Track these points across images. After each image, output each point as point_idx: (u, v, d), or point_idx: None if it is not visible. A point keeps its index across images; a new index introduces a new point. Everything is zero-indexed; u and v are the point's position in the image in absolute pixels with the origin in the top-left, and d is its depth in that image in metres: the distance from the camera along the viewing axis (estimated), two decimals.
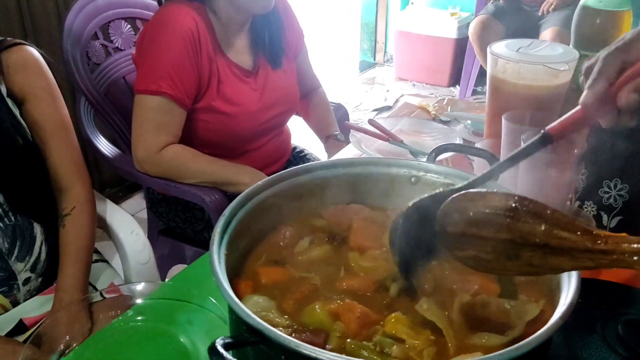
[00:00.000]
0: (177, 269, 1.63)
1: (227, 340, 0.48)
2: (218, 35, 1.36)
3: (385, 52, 4.79)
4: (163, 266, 1.57)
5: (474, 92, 3.68)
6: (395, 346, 0.55)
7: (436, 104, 1.61)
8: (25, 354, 0.76)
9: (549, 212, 0.49)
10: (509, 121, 0.99)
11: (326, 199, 0.77)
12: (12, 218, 1.04)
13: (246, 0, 1.31)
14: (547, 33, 2.94)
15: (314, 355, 0.45)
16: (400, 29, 4.25)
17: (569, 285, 0.55)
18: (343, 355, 0.46)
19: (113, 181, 2.50)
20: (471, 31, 3.23)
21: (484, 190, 0.58)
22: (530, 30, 3.12)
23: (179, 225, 1.52)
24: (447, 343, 0.55)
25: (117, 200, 2.31)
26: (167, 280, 1.44)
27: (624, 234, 0.46)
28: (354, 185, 0.78)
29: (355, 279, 0.66)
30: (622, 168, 0.86)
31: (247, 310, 0.50)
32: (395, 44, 4.41)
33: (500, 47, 1.14)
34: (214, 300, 0.74)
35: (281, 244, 0.72)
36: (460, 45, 3.92)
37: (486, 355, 0.46)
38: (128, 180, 2.17)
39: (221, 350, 0.47)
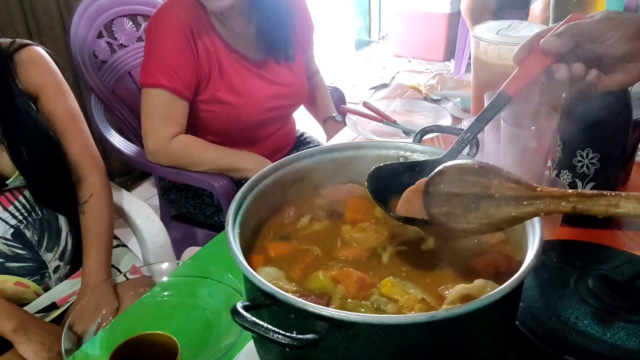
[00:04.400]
0: (190, 250, 1.73)
1: (245, 304, 0.58)
2: (218, 27, 1.43)
3: (380, 29, 4.84)
4: (177, 249, 1.67)
5: (469, 66, 3.73)
6: (390, 304, 0.65)
7: (427, 84, 1.69)
8: (65, 335, 0.85)
9: (503, 172, 0.60)
10: (490, 99, 1.06)
11: (324, 180, 0.86)
12: (39, 212, 1.13)
13: (204, 1, 1.35)
14: (537, 4, 2.98)
15: (318, 311, 0.54)
16: (394, 5, 4.29)
17: (533, 244, 0.63)
18: (341, 310, 0.55)
19: (122, 171, 2.60)
20: (463, 6, 3.27)
21: (461, 161, 0.68)
22: (521, 2, 3.16)
23: (190, 211, 1.61)
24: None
25: (127, 189, 2.40)
26: (181, 260, 1.55)
27: (554, 188, 0.57)
28: (349, 167, 0.87)
29: (350, 248, 0.75)
30: (593, 139, 0.95)
31: (261, 278, 0.59)
32: (390, 21, 4.45)
33: (481, 30, 1.22)
34: (230, 276, 0.83)
35: (286, 221, 0.81)
36: (454, 20, 3.97)
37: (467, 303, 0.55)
38: (136, 169, 2.27)
39: (241, 311, 0.56)
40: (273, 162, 1.60)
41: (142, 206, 1.38)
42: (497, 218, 0.61)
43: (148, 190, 2.66)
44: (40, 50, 1.16)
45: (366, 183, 0.74)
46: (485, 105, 1.09)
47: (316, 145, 1.78)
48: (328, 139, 1.73)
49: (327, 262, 0.72)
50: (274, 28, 1.45)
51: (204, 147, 1.45)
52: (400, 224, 0.77)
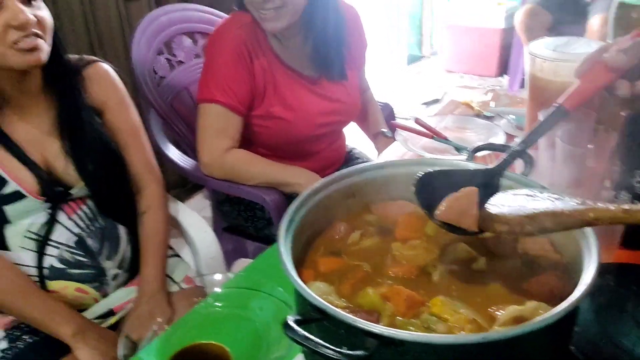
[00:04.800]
0: (240, 262, 1.76)
1: (296, 318, 0.59)
2: (274, 45, 1.46)
3: (431, 44, 4.82)
4: (228, 260, 1.70)
5: (523, 82, 3.66)
6: (440, 324, 0.65)
7: (480, 101, 1.67)
8: (121, 341, 0.88)
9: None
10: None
11: (375, 196, 0.87)
12: (101, 221, 1.18)
13: (260, 22, 1.38)
14: (595, 20, 2.91)
15: (368, 328, 0.55)
16: (446, 20, 4.27)
17: (589, 266, 0.62)
18: (391, 328, 0.55)
19: (176, 183, 2.67)
20: (517, 21, 3.22)
21: None
22: (578, 17, 3.09)
23: (242, 224, 1.64)
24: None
25: (181, 200, 2.47)
26: (231, 272, 1.58)
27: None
28: (400, 184, 0.87)
29: (400, 266, 0.75)
30: None
31: (312, 293, 0.60)
32: (442, 36, 4.43)
33: (537, 46, 1.20)
34: (280, 289, 0.85)
35: (336, 237, 0.82)
36: (508, 35, 3.91)
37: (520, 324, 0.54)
38: (190, 182, 2.33)
39: (293, 325, 0.57)
40: (323, 177, 1.62)
41: (196, 218, 1.42)
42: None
43: (201, 202, 2.73)
44: (106, 66, 1.22)
45: (413, 187, 0.74)
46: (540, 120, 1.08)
47: (366, 161, 1.79)
48: (378, 155, 1.73)
49: (377, 279, 0.73)
50: (329, 46, 1.47)
51: (256, 161, 1.48)
52: (450, 243, 0.77)
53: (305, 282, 0.71)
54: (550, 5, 3.17)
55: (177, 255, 1.37)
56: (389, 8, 4.55)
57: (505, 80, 4.08)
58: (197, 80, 1.76)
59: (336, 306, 0.67)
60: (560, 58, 1.14)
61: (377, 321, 0.66)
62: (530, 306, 0.64)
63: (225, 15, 1.84)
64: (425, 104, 3.93)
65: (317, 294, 0.64)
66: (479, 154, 0.93)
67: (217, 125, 1.42)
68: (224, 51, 1.40)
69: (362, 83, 1.75)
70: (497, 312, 0.65)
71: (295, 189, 1.46)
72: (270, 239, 1.63)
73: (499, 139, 1.37)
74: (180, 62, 1.75)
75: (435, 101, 3.95)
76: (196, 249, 1.37)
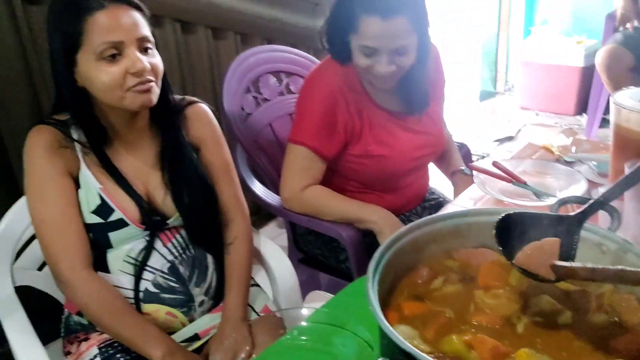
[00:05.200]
0: (314, 294, 1.81)
1: None
2: (367, 88, 1.52)
3: (506, 81, 4.77)
4: (301, 291, 1.75)
5: (603, 121, 3.57)
6: None
7: (560, 145, 1.66)
8: None
9: None
10: (631, 170, 1.04)
11: (458, 243, 0.90)
12: (192, 250, 1.27)
13: (374, 81, 1.45)
14: None
15: None
16: (523, 57, 4.23)
17: None
18: None
19: (250, 211, 2.77)
20: (599, 62, 3.16)
21: None
22: None
23: (324, 254, 1.69)
24: None
25: (255, 228, 2.57)
26: (305, 303, 1.63)
27: None
28: (483, 232, 0.90)
29: (484, 314, 0.77)
30: None
31: (402, 338, 0.64)
32: (518, 72, 4.38)
33: (623, 97, 1.20)
34: (363, 328, 0.88)
35: (419, 281, 0.85)
36: (587, 74, 3.83)
37: None
38: (262, 210, 2.41)
39: None
40: (406, 211, 1.66)
41: (276, 249, 1.49)
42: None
43: (274, 230, 2.82)
44: (205, 107, 1.33)
45: (494, 229, 0.76)
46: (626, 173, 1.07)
47: (443, 199, 1.81)
48: (456, 193, 1.74)
49: (460, 326, 0.75)
50: (418, 85, 1.52)
51: (332, 198, 1.54)
52: (535, 294, 0.79)
53: (389, 325, 0.75)
54: (632, 45, 3.09)
55: (258, 285, 1.43)
56: (463, 44, 4.56)
57: (583, 119, 3.98)
58: (280, 116, 1.87)
59: (422, 351, 0.70)
60: None
61: None
62: None
63: (307, 55, 1.94)
64: (498, 141, 3.89)
65: (402, 337, 0.67)
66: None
67: (302, 166, 1.50)
68: (319, 98, 1.47)
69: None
70: None
71: (369, 226, 1.50)
72: (347, 272, 1.68)
73: (581, 187, 1.36)
74: (266, 100, 1.84)
75: (509, 138, 3.90)
76: (275, 280, 1.43)
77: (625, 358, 0.65)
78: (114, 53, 1.06)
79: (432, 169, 1.87)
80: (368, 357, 0.85)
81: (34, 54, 1.84)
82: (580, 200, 0.93)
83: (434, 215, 0.90)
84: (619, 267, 0.67)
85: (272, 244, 1.51)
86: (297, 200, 1.54)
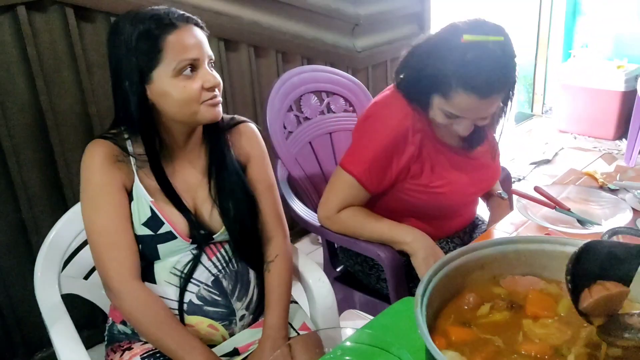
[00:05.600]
0: (348, 312, 1.82)
1: None
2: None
3: (543, 103, 4.72)
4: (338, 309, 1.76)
5: None
6: None
7: (604, 172, 1.64)
8: None
9: None
10: None
11: (505, 269, 0.90)
12: (235, 265, 1.29)
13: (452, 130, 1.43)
14: None
15: None
16: (562, 80, 4.19)
17: None
18: None
19: None
20: None
21: None
22: None
23: (364, 271, 1.69)
24: None
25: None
26: (340, 321, 1.63)
27: None
28: (530, 259, 0.90)
29: (533, 344, 0.77)
30: None
31: None
32: (556, 95, 4.34)
33: None
34: (406, 352, 0.88)
35: (465, 307, 0.86)
36: (628, 98, 3.78)
37: None
38: (297, 225, 2.44)
39: None
40: (450, 236, 1.63)
41: (314, 268, 1.50)
42: None
43: (308, 246, 2.83)
44: (253, 126, 1.36)
45: (569, 264, 0.75)
46: None
47: (483, 223, 1.79)
48: (492, 217, 1.72)
49: (510, 355, 0.76)
50: (483, 130, 1.50)
51: (367, 218, 1.53)
52: (584, 325, 0.78)
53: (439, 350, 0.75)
54: None
55: (296, 302, 1.45)
56: None
57: (622, 144, 3.91)
58: (320, 135, 1.90)
59: None
60: None
61: None
62: None
63: (347, 75, 1.97)
64: (534, 163, 3.85)
65: None
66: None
67: (345, 192, 1.51)
68: (383, 135, 1.45)
69: None
70: None
71: (402, 247, 1.50)
72: (380, 293, 1.68)
73: (627, 216, 1.34)
74: (307, 118, 1.87)
75: (546, 161, 3.85)
76: (313, 298, 1.44)
77: None
78: (190, 69, 1.13)
79: None
80: None
81: (84, 67, 1.92)
82: (633, 232, 0.92)
83: (482, 241, 0.90)
84: None
85: (311, 261, 1.52)
86: (333, 220, 1.55)
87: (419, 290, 0.79)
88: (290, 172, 1.78)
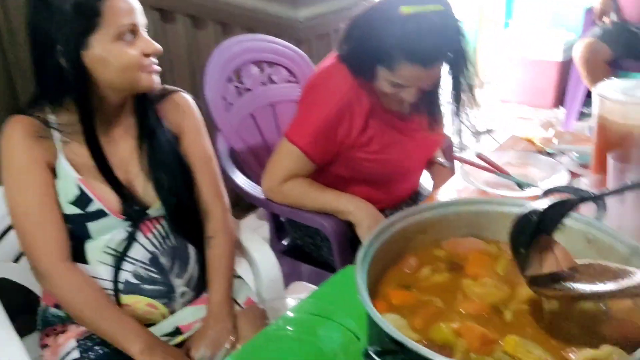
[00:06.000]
0: (295, 284, 1.80)
1: (377, 349, 0.62)
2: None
3: (486, 74, 4.79)
4: (284, 283, 1.74)
5: (581, 115, 3.61)
6: None
7: (543, 137, 1.67)
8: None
9: None
10: (615, 160, 1.05)
11: (446, 232, 0.89)
12: (173, 241, 1.25)
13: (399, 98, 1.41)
14: None
15: None
16: (502, 51, 4.26)
17: None
18: None
19: (231, 201, 2.75)
20: (577, 55, 3.20)
21: None
22: (637, 52, 3.05)
23: (316, 243, 1.67)
24: None
25: (235, 218, 2.56)
26: (287, 294, 1.61)
27: None
28: (471, 221, 0.89)
29: (472, 303, 0.77)
30: None
31: (392, 326, 0.63)
32: (497, 66, 4.42)
33: (605, 88, 1.21)
34: (349, 318, 0.87)
35: (407, 271, 0.85)
36: (565, 67, 3.87)
37: None
38: (243, 201, 2.39)
39: (373, 355, 0.60)
40: (395, 204, 1.63)
41: (258, 241, 1.47)
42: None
43: (255, 221, 2.79)
44: (186, 96, 1.30)
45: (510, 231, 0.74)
46: (609, 166, 1.08)
47: (429, 192, 1.80)
48: (434, 184, 1.74)
49: (449, 315, 0.75)
50: (433, 95, 1.51)
51: (310, 188, 1.51)
52: (522, 282, 0.78)
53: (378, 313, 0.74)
54: (610, 39, 3.13)
55: (240, 277, 1.42)
56: None
57: (561, 112, 4.02)
58: (262, 107, 1.85)
59: (411, 339, 0.69)
60: (630, 102, 1.15)
61: (450, 357, 0.68)
62: (604, 350, 0.65)
63: (290, 45, 1.92)
64: (477, 133, 3.91)
65: (391, 326, 0.67)
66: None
67: (290, 164, 1.48)
68: (327, 106, 1.42)
69: None
70: (570, 355, 0.66)
71: (346, 216, 1.49)
72: (327, 264, 1.67)
73: (563, 177, 1.37)
74: (248, 90, 1.82)
75: (489, 131, 3.93)
76: (258, 272, 1.41)
77: (611, 344, 0.65)
78: (130, 35, 1.08)
79: None
80: (354, 348, 0.85)
81: (9, 45, 1.80)
82: (566, 190, 0.93)
83: (422, 205, 0.89)
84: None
85: (255, 235, 1.49)
86: (277, 191, 1.52)
87: (360, 255, 0.77)
88: (232, 144, 1.73)
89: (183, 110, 1.28)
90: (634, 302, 0.73)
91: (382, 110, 1.48)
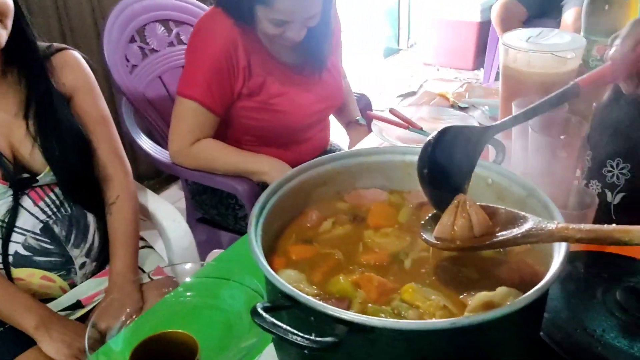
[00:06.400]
0: (214, 253, 1.74)
1: (266, 305, 0.58)
2: (264, 40, 1.43)
3: (409, 37, 4.83)
4: (202, 251, 1.68)
5: (499, 75, 3.70)
6: (410, 310, 0.64)
7: (455, 92, 1.68)
8: (89, 331, 0.86)
9: None
10: (519, 107, 1.05)
11: (348, 184, 0.87)
12: (68, 209, 1.16)
13: (280, 42, 1.39)
14: (569, 14, 2.94)
15: (338, 315, 0.54)
16: (423, 14, 4.28)
17: (559, 253, 0.62)
18: (361, 314, 0.55)
19: (149, 174, 2.63)
20: (493, 15, 3.24)
21: None
22: (552, 11, 3.12)
23: (221, 212, 1.62)
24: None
25: (155, 192, 2.45)
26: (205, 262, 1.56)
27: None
28: (374, 172, 0.87)
29: (372, 253, 0.75)
30: (625, 148, 0.93)
31: (282, 281, 0.59)
32: (419, 29, 4.44)
33: (511, 37, 1.21)
34: (252, 278, 0.84)
35: (308, 225, 0.81)
36: (484, 29, 3.94)
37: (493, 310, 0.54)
38: (164, 172, 2.30)
39: (261, 312, 0.56)
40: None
41: (168, 208, 1.40)
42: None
43: (175, 193, 2.69)
44: (75, 53, 1.20)
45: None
46: (514, 113, 1.08)
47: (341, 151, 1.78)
48: (350, 143, 1.73)
49: (349, 267, 0.72)
50: (321, 39, 1.47)
51: (222, 150, 1.46)
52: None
53: (276, 270, 0.71)
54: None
55: (150, 247, 1.35)
56: (365, 2, 4.54)
57: (481, 73, 4.11)
58: (170, 69, 1.75)
59: (307, 293, 0.66)
60: (533, 49, 1.15)
61: (348, 308, 0.65)
62: (500, 292, 0.64)
63: (198, 2, 1.82)
64: (401, 96, 3.94)
65: (287, 281, 0.63)
66: None
67: (192, 121, 1.41)
68: (212, 50, 1.37)
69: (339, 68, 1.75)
70: (468, 299, 0.65)
71: (260, 177, 1.45)
72: (244, 232, 1.62)
73: None
74: (154, 51, 1.71)
75: (412, 93, 3.96)
76: (168, 240, 1.35)
77: (507, 285, 0.64)
78: None
79: (333, 123, 1.85)
80: None
81: None
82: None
83: (322, 157, 0.85)
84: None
85: (164, 202, 1.42)
86: (186, 155, 1.45)
87: (254, 211, 0.73)
88: (138, 108, 1.63)
89: (73, 69, 1.18)
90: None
91: (271, 58, 1.45)
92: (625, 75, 0.72)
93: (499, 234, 0.65)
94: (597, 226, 0.58)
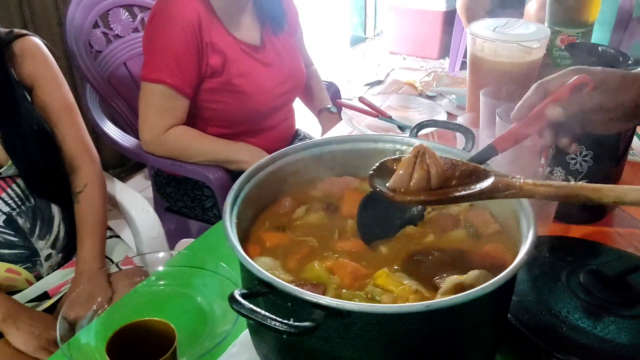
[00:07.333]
0: (184, 242, 1.73)
1: (243, 292, 0.58)
2: (222, 17, 1.43)
3: (375, 26, 4.84)
4: (171, 240, 1.66)
5: (464, 64, 3.75)
6: (384, 295, 0.66)
7: (423, 80, 1.70)
8: (59, 323, 0.85)
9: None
10: (486, 96, 1.08)
11: (321, 172, 0.87)
12: (32, 200, 1.13)
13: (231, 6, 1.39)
14: (532, 4, 2.99)
15: (315, 300, 0.55)
16: (389, 2, 4.30)
17: (527, 238, 0.64)
18: (338, 299, 0.56)
19: (116, 162, 2.58)
20: (459, 4, 3.27)
21: None
22: (516, 1, 3.17)
23: (187, 205, 1.60)
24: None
25: (121, 180, 2.40)
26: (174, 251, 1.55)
27: None
28: (346, 160, 0.88)
29: (347, 241, 0.76)
30: (586, 136, 0.96)
31: (259, 267, 0.60)
32: (385, 17, 4.46)
33: (478, 27, 1.23)
34: (225, 266, 0.84)
35: (281, 212, 0.81)
36: (449, 18, 3.98)
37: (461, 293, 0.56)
38: (130, 161, 2.26)
39: (239, 298, 0.56)
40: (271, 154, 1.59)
41: (136, 197, 1.38)
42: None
43: (142, 182, 2.65)
44: (36, 40, 1.16)
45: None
46: (481, 103, 1.11)
47: (309, 138, 1.79)
48: (323, 130, 1.74)
49: (323, 253, 0.73)
50: (272, 5, 1.49)
51: (199, 138, 1.45)
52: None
53: (251, 258, 0.70)
54: None
55: (118, 236, 1.33)
56: None
57: (446, 62, 4.16)
58: (135, 55, 1.72)
59: (282, 280, 0.66)
60: (500, 39, 1.17)
61: (323, 294, 0.66)
62: (471, 276, 0.66)
63: None
64: (368, 84, 3.96)
65: (263, 268, 0.63)
66: (422, 131, 0.95)
67: (162, 105, 1.39)
68: (174, 29, 1.34)
69: (305, 57, 1.75)
70: (440, 282, 0.67)
71: (240, 166, 1.44)
72: (216, 220, 1.61)
73: (441, 118, 1.40)
74: (118, 36, 1.68)
75: (378, 82, 3.99)
76: (137, 229, 1.33)
77: (478, 269, 0.66)
78: None
79: (301, 111, 1.84)
80: None
81: None
82: (436, 124, 0.94)
83: (295, 145, 0.86)
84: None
85: (132, 191, 1.40)
86: (159, 143, 1.43)
87: (228, 199, 0.73)
88: (103, 96, 1.60)
89: (34, 57, 1.14)
90: (501, 227, 0.75)
91: (230, 37, 1.44)
92: (537, 133, 0.75)
93: (460, 187, 0.65)
94: (566, 183, 0.59)
